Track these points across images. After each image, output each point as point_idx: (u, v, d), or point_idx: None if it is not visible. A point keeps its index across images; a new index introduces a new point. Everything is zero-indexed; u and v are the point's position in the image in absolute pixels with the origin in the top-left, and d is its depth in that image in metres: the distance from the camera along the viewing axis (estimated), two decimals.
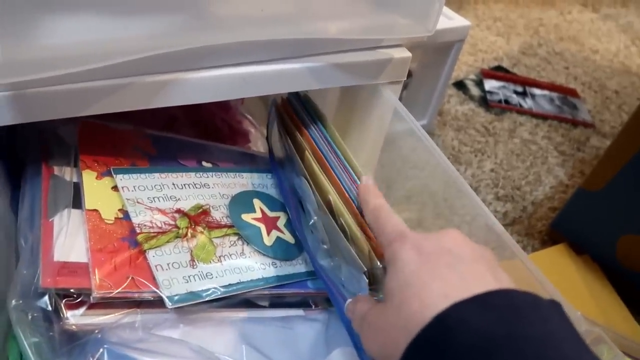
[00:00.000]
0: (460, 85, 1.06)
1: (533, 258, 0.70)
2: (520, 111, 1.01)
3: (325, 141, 0.45)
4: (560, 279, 0.67)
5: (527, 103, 1.04)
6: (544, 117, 1.01)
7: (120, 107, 0.36)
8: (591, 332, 0.33)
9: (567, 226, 0.71)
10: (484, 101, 1.02)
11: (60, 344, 0.31)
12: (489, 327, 0.21)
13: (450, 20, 0.79)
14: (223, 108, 0.62)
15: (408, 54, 0.46)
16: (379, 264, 0.34)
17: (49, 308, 0.31)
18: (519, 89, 1.08)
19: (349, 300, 0.33)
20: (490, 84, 1.07)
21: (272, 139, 0.52)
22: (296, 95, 0.50)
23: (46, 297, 0.31)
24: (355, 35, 0.42)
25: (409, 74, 0.84)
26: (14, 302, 0.30)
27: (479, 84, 1.07)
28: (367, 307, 0.29)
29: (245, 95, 0.41)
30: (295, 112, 0.48)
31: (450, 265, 0.25)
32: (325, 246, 0.41)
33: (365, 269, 0.35)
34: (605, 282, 0.68)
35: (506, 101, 1.02)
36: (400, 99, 0.90)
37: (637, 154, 0.60)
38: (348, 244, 0.37)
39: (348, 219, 0.37)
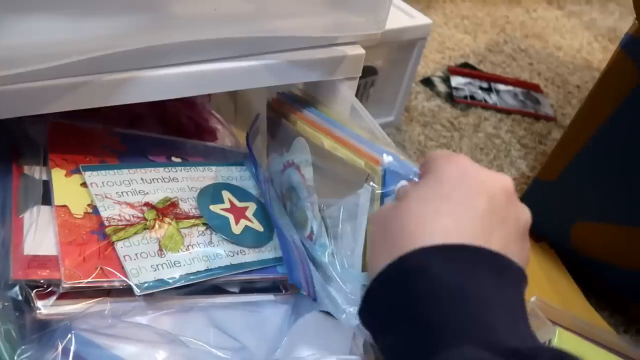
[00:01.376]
0: (427, 82, 1.09)
1: None
2: (485, 106, 1.05)
3: (315, 113, 0.47)
4: None
5: (492, 98, 1.07)
6: (507, 111, 1.05)
7: (81, 104, 0.37)
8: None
9: None
10: (450, 97, 1.05)
11: (31, 332, 0.33)
12: (442, 277, 0.22)
13: (412, 18, 0.82)
14: (189, 105, 0.63)
15: (362, 51, 0.48)
16: (377, 168, 0.35)
17: (19, 298, 0.33)
18: (484, 84, 1.12)
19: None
20: (456, 81, 1.10)
21: (252, 136, 0.54)
22: (284, 93, 0.52)
23: (16, 288, 0.33)
24: (310, 33, 0.44)
25: (375, 72, 0.86)
26: None
27: (446, 80, 1.10)
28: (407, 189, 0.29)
29: (203, 92, 0.42)
30: (286, 103, 0.50)
31: (475, 209, 0.25)
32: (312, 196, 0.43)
33: (368, 173, 0.37)
34: (561, 267, 0.71)
35: (472, 97, 1.05)
36: (367, 96, 0.92)
37: (587, 144, 0.63)
38: (346, 163, 0.39)
39: (340, 148, 0.41)
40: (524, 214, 0.28)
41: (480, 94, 1.07)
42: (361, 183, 0.37)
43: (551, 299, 0.66)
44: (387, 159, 0.36)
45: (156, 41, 0.37)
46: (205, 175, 0.51)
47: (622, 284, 0.68)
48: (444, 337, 0.21)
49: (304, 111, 0.48)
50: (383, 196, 0.36)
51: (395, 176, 0.35)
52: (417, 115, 0.98)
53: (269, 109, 0.53)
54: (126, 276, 0.36)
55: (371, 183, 0.37)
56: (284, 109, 0.50)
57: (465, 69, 1.16)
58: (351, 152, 0.40)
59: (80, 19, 0.34)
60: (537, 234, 0.73)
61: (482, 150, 0.93)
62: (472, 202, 0.26)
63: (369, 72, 0.85)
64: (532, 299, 0.57)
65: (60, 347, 0.31)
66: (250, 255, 0.44)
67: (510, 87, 1.13)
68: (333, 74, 0.48)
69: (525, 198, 0.73)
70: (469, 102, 1.04)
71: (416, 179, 0.33)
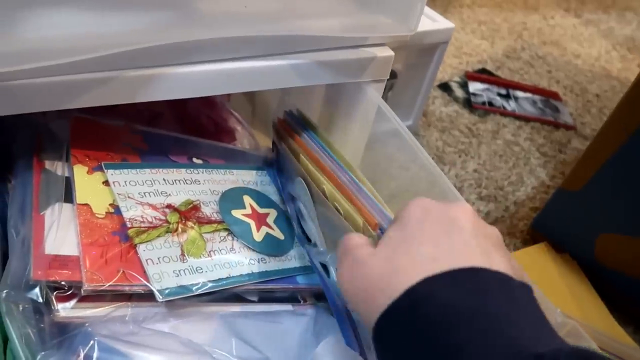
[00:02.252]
0: (445, 87, 1.07)
1: (514, 257, 0.71)
2: (504, 113, 1.03)
3: (318, 146, 0.46)
4: (540, 277, 0.68)
5: (511, 105, 1.05)
6: (526, 119, 1.03)
7: (106, 100, 0.36)
8: (566, 324, 0.34)
9: (547, 225, 0.72)
10: (468, 103, 1.03)
11: (50, 336, 0.31)
12: (453, 301, 0.22)
13: (434, 22, 0.81)
14: (209, 105, 0.62)
15: (391, 53, 0.47)
16: (373, 232, 0.35)
17: (40, 300, 0.32)
18: (503, 91, 1.10)
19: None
20: (474, 86, 1.09)
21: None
22: (291, 112, 0.51)
23: (37, 289, 0.32)
24: (339, 33, 0.43)
25: (394, 75, 0.85)
26: (4, 293, 0.30)
27: (464, 86, 1.08)
28: (361, 242, 0.30)
29: (229, 91, 0.41)
30: (290, 125, 0.49)
31: (448, 233, 0.26)
32: (321, 248, 0.43)
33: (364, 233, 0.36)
34: (584, 279, 0.69)
35: (490, 103, 1.04)
36: (386, 99, 0.91)
37: (614, 155, 0.62)
38: (343, 220, 0.38)
39: (341, 199, 0.40)
40: (493, 230, 0.29)
41: (498, 101, 1.06)
42: None
43: (573, 313, 0.64)
44: (384, 224, 0.36)
45: (183, 38, 0.36)
46: (227, 178, 0.49)
47: None
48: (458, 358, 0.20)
49: (308, 141, 0.46)
50: None
51: None
52: (435, 120, 0.97)
53: (274, 129, 0.52)
54: (148, 280, 0.35)
55: None
56: (288, 133, 0.49)
57: (483, 75, 1.14)
58: (351, 206, 0.39)
59: (107, 13, 0.33)
60: (560, 245, 0.71)
61: (501, 158, 0.91)
62: (444, 230, 0.26)
63: (388, 75, 0.84)
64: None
65: (82, 354, 0.30)
66: (271, 264, 0.43)
67: (528, 94, 1.11)
68: (360, 76, 0.47)
69: (547, 208, 0.71)
70: (487, 109, 1.02)
71: None
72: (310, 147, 0.46)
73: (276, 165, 0.53)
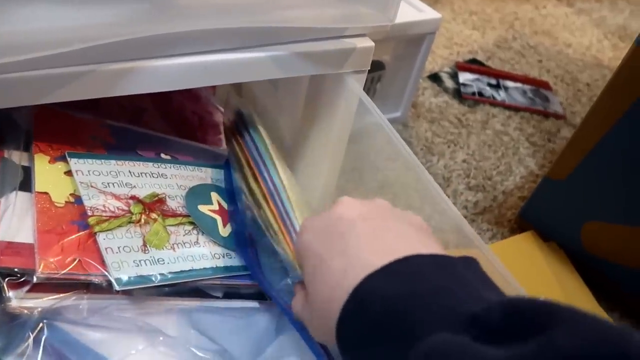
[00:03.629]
0: (435, 77, 1.07)
1: (501, 245, 0.71)
2: (494, 103, 1.03)
3: (256, 152, 0.46)
4: (527, 265, 0.69)
5: (500, 95, 1.06)
6: (516, 109, 1.03)
7: (81, 95, 0.36)
8: None
9: (534, 214, 0.73)
10: (458, 93, 1.03)
11: (1, 324, 0.31)
12: (393, 291, 0.23)
13: (420, 12, 0.80)
14: (193, 99, 0.62)
15: (371, 44, 0.46)
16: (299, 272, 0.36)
17: None
18: (493, 81, 1.10)
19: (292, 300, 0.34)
20: (464, 77, 1.09)
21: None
22: (240, 112, 0.51)
23: None
24: (318, 24, 0.43)
25: (382, 67, 0.85)
26: None
27: (454, 76, 1.08)
28: (297, 302, 0.32)
29: (208, 84, 0.41)
30: (237, 127, 0.49)
31: (343, 235, 0.27)
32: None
33: (289, 276, 0.39)
34: (571, 268, 0.70)
35: (480, 93, 1.04)
36: (374, 91, 0.91)
37: (599, 143, 0.62)
38: (278, 247, 0.40)
39: (275, 226, 0.40)
40: (414, 216, 0.30)
41: (488, 91, 1.06)
42: (289, 273, 0.40)
43: (560, 300, 0.64)
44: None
45: (160, 30, 0.36)
46: (195, 175, 0.49)
47: (632, 285, 0.66)
48: (409, 338, 0.21)
49: (252, 151, 0.47)
50: None
51: None
52: (425, 111, 0.97)
53: (225, 131, 0.51)
54: (106, 270, 0.34)
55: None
56: (235, 137, 0.49)
57: (474, 65, 1.14)
58: (285, 236, 0.40)
59: (82, 6, 0.33)
60: (546, 233, 0.72)
61: (490, 148, 0.92)
62: (373, 229, 0.27)
63: (376, 67, 0.84)
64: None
65: (31, 338, 0.30)
66: (237, 260, 0.43)
67: (519, 84, 1.11)
68: (341, 67, 0.47)
69: (534, 197, 0.72)
70: (477, 99, 1.03)
71: None
72: (254, 158, 0.46)
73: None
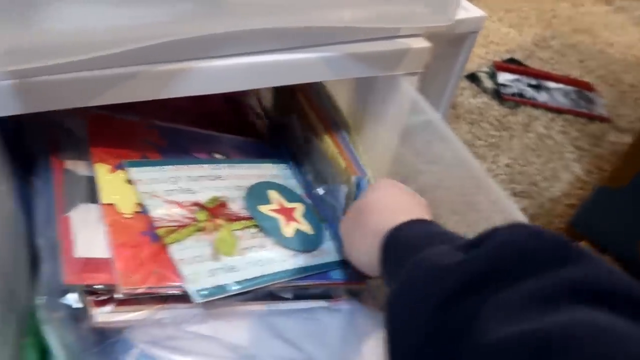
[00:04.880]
0: (473, 77, 1.04)
1: None
2: (535, 105, 0.99)
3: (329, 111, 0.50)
4: None
5: (542, 96, 1.02)
6: (559, 111, 0.99)
7: (129, 97, 0.35)
8: None
9: (587, 224, 0.69)
10: (497, 94, 1.00)
11: (89, 342, 0.31)
12: (415, 231, 0.34)
13: (465, 10, 0.77)
14: (230, 98, 0.60)
15: (427, 44, 0.44)
16: (353, 178, 0.44)
17: (76, 306, 0.31)
18: (533, 82, 1.06)
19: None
20: (503, 77, 1.05)
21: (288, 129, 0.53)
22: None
23: (73, 295, 0.31)
24: (372, 23, 0.40)
25: None
26: (40, 300, 0.29)
27: (492, 76, 1.05)
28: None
29: (257, 86, 0.39)
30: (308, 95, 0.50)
31: (395, 196, 0.40)
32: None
33: (345, 179, 0.44)
34: None
35: (520, 94, 1.00)
36: None
37: None
38: (331, 163, 0.46)
39: (330, 145, 0.47)
40: (422, 199, 0.42)
41: (529, 92, 1.02)
42: (341, 181, 0.46)
43: None
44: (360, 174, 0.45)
45: (211, 30, 0.34)
46: (250, 173, 0.48)
47: None
48: (414, 251, 0.30)
49: (322, 108, 0.50)
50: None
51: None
52: (464, 112, 0.93)
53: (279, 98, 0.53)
54: (183, 281, 0.34)
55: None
56: (306, 101, 0.51)
57: (512, 65, 1.10)
58: (339, 155, 0.47)
59: (132, 5, 0.31)
60: (601, 245, 0.68)
61: (534, 152, 0.88)
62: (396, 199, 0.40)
63: None
64: None
65: None
66: (303, 260, 0.42)
67: (560, 85, 1.07)
68: (394, 69, 0.44)
69: (586, 206, 0.68)
70: (517, 100, 0.99)
71: None
72: (321, 110, 0.50)
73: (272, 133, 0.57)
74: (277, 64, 0.39)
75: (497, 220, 0.40)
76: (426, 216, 0.38)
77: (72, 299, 0.30)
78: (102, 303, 0.32)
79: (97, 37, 0.29)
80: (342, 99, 0.54)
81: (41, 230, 0.34)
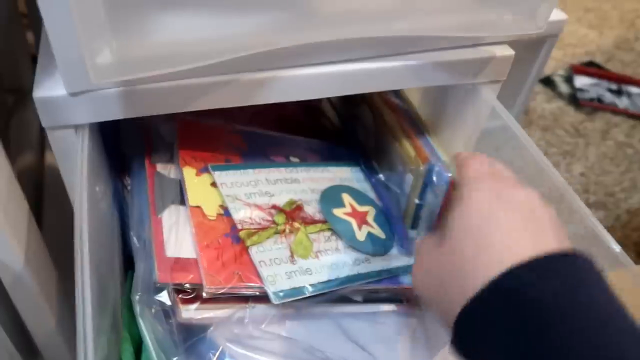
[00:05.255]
0: (547, 81, 1.00)
1: (628, 272, 0.65)
2: (615, 111, 0.94)
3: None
4: None
5: (623, 102, 0.96)
6: None
7: (221, 104, 0.36)
8: None
9: None
10: (574, 99, 0.95)
11: (177, 337, 0.33)
12: (548, 294, 0.20)
13: None
14: (304, 102, 0.62)
15: (511, 52, 0.43)
16: (422, 165, 0.41)
17: (168, 303, 0.33)
18: (614, 86, 1.01)
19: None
20: (581, 81, 1.00)
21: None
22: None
23: (165, 292, 0.33)
24: (458, 32, 0.40)
25: None
26: (137, 296, 0.32)
27: (569, 80, 1.00)
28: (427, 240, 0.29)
29: (343, 93, 0.40)
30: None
31: (526, 220, 0.24)
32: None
33: (412, 167, 0.42)
34: None
35: (599, 100, 0.96)
36: None
37: None
38: (399, 148, 0.45)
39: (398, 130, 0.46)
40: (552, 211, 0.27)
41: (608, 97, 0.97)
42: (408, 170, 0.44)
43: None
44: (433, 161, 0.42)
45: (302, 40, 0.35)
46: (324, 176, 0.49)
47: None
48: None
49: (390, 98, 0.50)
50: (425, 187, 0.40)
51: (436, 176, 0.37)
52: (537, 118, 0.90)
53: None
54: (262, 283, 0.36)
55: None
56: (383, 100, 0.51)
57: (591, 68, 1.05)
58: (407, 140, 0.45)
59: (229, 15, 0.33)
60: None
61: (612, 161, 0.84)
62: (516, 217, 0.25)
63: None
64: None
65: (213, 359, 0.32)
66: (375, 264, 0.43)
67: None
68: (477, 77, 0.43)
69: None
70: (595, 106, 0.94)
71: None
72: (392, 103, 0.50)
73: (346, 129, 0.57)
74: (364, 72, 0.39)
75: (572, 230, 0.39)
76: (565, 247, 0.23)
77: (164, 296, 0.33)
78: (189, 301, 0.34)
79: (197, 47, 0.31)
80: (416, 103, 0.54)
81: (135, 229, 0.36)
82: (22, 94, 0.72)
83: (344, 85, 0.39)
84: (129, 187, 0.40)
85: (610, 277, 0.25)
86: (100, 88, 0.32)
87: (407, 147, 0.45)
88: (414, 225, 0.43)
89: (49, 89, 0.31)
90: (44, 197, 0.69)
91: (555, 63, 1.07)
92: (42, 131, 0.43)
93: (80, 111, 0.33)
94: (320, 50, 0.37)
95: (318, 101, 0.64)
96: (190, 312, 0.33)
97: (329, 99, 0.63)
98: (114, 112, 0.33)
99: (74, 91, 0.31)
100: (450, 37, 0.41)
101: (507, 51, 0.43)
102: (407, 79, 0.41)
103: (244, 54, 0.31)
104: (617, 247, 0.34)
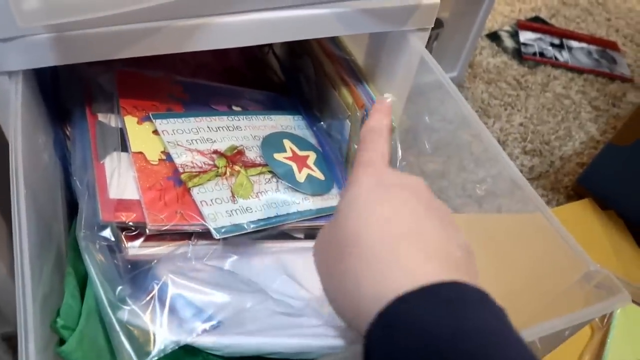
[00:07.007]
0: (494, 36, 1.03)
1: (557, 212, 0.70)
2: (556, 64, 0.99)
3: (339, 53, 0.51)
4: (583, 233, 0.67)
5: (564, 56, 1.01)
6: (579, 70, 0.98)
7: (153, 50, 0.37)
8: (599, 274, 0.34)
9: (593, 181, 0.70)
10: (518, 54, 0.99)
11: (124, 271, 0.35)
12: (435, 325, 0.19)
13: None
14: (249, 55, 0.63)
15: (436, 0, 0.45)
16: (358, 113, 0.44)
17: (112, 239, 0.35)
18: (556, 41, 1.05)
19: None
20: (525, 36, 1.04)
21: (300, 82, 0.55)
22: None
23: (108, 230, 0.35)
24: None
25: (440, 24, 0.83)
26: (82, 232, 0.33)
27: (514, 35, 1.04)
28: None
29: (274, 41, 0.41)
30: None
31: (405, 201, 0.25)
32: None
33: (349, 114, 0.44)
34: (629, 237, 0.68)
35: (541, 54, 0.99)
36: (431, 50, 0.89)
37: None
38: (338, 96, 0.47)
39: (337, 79, 0.48)
40: (444, 206, 0.27)
41: (550, 51, 1.01)
42: (346, 116, 0.47)
43: (615, 270, 0.63)
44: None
45: None
46: (266, 124, 0.51)
47: None
48: None
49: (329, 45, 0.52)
50: None
51: None
52: (482, 72, 0.94)
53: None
54: (204, 220, 0.38)
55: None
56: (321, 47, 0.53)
57: (536, 24, 1.09)
58: (346, 88, 0.48)
59: None
60: (605, 201, 0.70)
61: (550, 112, 0.88)
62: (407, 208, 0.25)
63: (434, 24, 0.81)
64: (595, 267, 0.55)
65: (156, 288, 0.33)
66: (314, 203, 0.46)
67: (584, 45, 1.05)
68: (404, 24, 0.46)
69: (594, 163, 0.69)
70: (537, 60, 0.98)
71: None
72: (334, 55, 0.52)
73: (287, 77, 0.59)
74: (291, 20, 0.41)
75: (492, 172, 0.42)
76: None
77: (109, 233, 0.35)
78: (133, 238, 0.36)
79: None
80: (357, 53, 0.55)
81: (78, 174, 0.38)
82: None
83: (275, 32, 0.41)
84: (70, 137, 0.41)
85: (525, 219, 0.26)
86: (31, 34, 0.33)
87: (346, 95, 0.47)
88: None
89: None
90: None
91: (502, 19, 1.10)
92: None
93: (12, 57, 0.33)
94: None
95: (263, 54, 0.65)
96: (135, 249, 0.35)
97: (273, 51, 0.64)
98: (46, 59, 0.34)
99: (3, 37, 0.32)
100: None
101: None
102: (336, 26, 0.43)
103: (165, 1, 0.33)
104: (532, 193, 0.36)
